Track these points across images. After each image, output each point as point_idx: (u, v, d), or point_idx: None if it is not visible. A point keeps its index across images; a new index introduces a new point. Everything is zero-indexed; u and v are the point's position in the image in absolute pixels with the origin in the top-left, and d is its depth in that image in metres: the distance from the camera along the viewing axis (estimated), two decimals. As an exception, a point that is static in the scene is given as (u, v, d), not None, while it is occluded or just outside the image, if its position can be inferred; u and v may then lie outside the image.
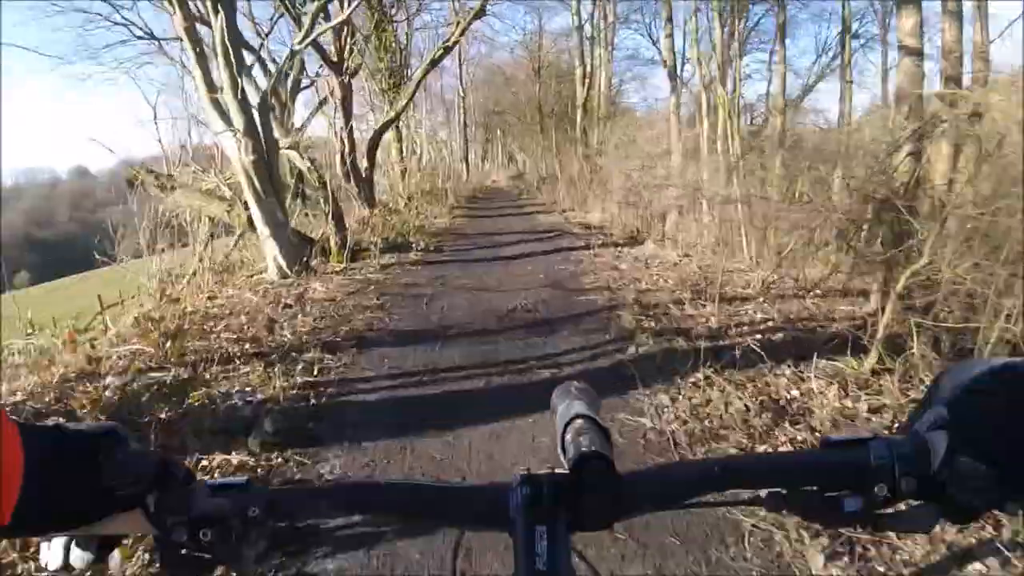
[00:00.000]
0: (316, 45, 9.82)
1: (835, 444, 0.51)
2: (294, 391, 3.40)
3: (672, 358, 3.67)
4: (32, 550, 1.93)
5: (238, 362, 3.89)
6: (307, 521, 0.60)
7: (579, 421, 0.55)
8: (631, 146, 13.21)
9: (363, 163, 11.33)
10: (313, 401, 3.31)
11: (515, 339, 4.35)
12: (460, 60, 24.74)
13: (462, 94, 26.81)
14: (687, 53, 14.74)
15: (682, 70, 14.89)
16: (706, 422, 2.83)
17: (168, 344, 4.03)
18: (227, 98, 6.31)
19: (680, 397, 3.10)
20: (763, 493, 0.51)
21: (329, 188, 7.91)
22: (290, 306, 5.28)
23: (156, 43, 10.14)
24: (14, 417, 0.45)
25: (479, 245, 9.08)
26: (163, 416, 3.08)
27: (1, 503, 0.42)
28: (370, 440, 2.82)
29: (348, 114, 10.57)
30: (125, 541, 0.57)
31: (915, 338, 3.27)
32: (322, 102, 11.64)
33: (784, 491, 0.50)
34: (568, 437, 0.54)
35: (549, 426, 2.04)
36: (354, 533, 2.07)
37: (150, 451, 0.53)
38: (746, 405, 2.92)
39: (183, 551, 0.49)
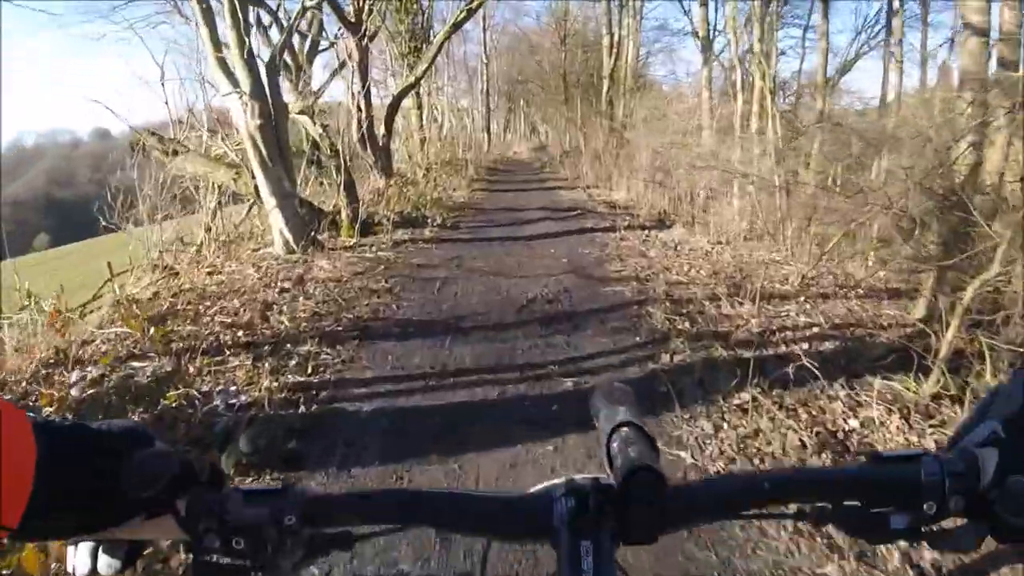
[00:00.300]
0: (334, 4, 9.34)
1: (885, 459, 0.49)
2: (283, 393, 3.01)
3: (712, 369, 3.23)
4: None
5: (227, 353, 3.54)
6: (342, 528, 0.46)
7: (625, 429, 0.51)
8: (660, 121, 12.62)
9: (380, 130, 10.85)
10: (303, 408, 2.91)
11: (534, 336, 3.92)
12: (484, 26, 24.13)
13: (485, 61, 26.14)
14: (721, 24, 13.99)
15: (713, 42, 14.14)
16: (756, 460, 2.40)
17: (152, 330, 3.68)
18: (233, 57, 5.88)
19: (725, 425, 2.65)
20: (809, 508, 0.49)
21: (342, 156, 7.47)
22: (290, 288, 4.89)
23: (171, 1, 9.69)
24: (32, 414, 0.42)
25: (498, 223, 8.60)
26: (135, 419, 2.74)
27: (8, 505, 0.38)
28: (361, 466, 2.41)
29: (365, 77, 10.06)
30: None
31: (988, 361, 2.85)
32: (341, 65, 11.12)
33: (830, 506, 0.48)
34: (615, 446, 0.50)
35: (572, 455, 1.62)
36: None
37: (173, 451, 0.47)
38: (801, 440, 2.49)
39: (215, 559, 0.46)
